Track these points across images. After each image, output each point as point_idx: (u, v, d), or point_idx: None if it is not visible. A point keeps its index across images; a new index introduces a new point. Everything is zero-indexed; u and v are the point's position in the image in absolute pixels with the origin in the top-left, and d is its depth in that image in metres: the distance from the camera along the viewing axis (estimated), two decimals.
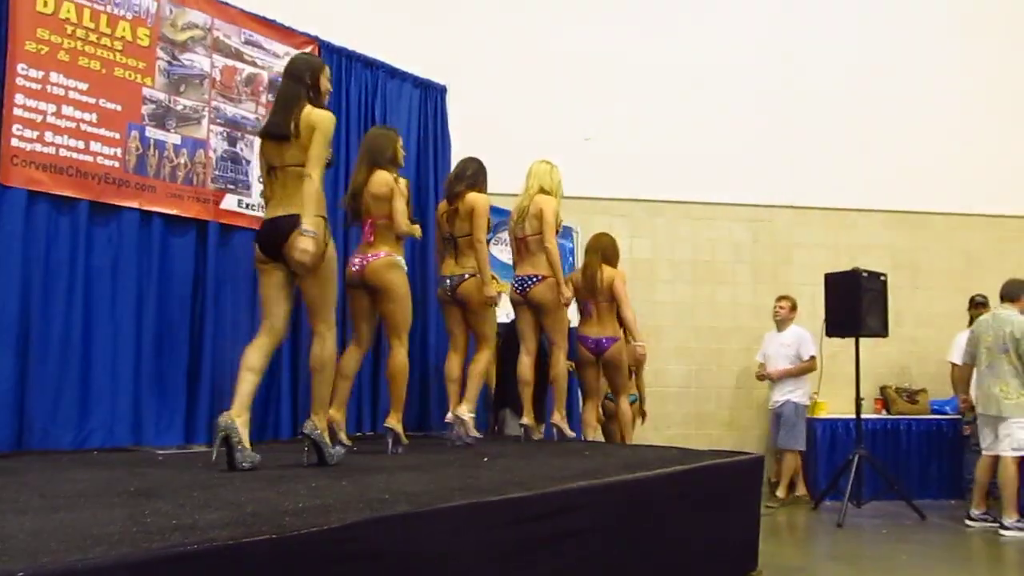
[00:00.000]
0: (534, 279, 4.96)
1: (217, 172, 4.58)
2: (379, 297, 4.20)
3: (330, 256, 3.46)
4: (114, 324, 4.10)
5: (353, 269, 4.25)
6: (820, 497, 6.61)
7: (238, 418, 3.24)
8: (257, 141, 4.63)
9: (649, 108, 7.71)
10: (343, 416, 4.21)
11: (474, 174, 4.74)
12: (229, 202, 4.64)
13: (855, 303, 6.37)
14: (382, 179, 4.23)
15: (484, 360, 4.74)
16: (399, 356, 4.17)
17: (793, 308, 7.14)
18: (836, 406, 7.33)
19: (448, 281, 4.73)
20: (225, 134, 4.64)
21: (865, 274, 6.47)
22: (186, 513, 2.15)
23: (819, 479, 7.05)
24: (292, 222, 3.35)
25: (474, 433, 4.67)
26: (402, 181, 4.31)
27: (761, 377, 7.20)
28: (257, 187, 4.73)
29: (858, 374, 6.44)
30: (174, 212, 4.36)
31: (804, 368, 7.05)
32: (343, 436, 4.17)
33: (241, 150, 4.71)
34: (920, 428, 7.34)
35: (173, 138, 4.39)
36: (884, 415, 7.57)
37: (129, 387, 4.12)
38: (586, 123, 7.57)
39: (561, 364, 5.04)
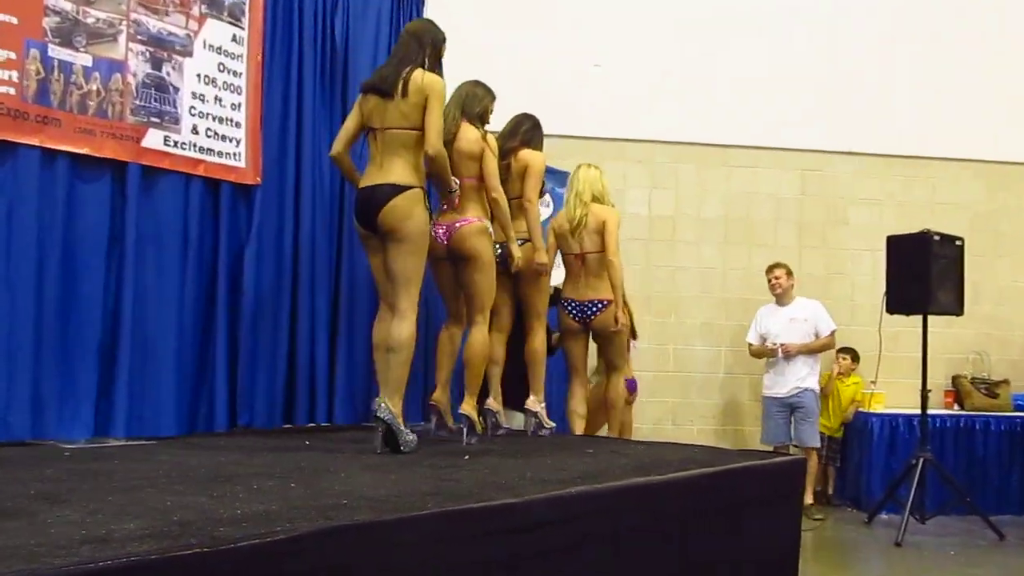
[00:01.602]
0: (598, 305, 5.44)
1: (138, 102, 4.52)
2: (464, 266, 4.62)
3: (426, 231, 4.09)
4: (9, 290, 4.03)
5: (439, 240, 4.58)
6: (875, 509, 6.68)
7: (389, 400, 3.92)
8: (187, 64, 4.72)
9: (673, 30, 7.71)
10: (448, 399, 4.78)
11: (529, 131, 5.16)
12: (153, 139, 4.58)
13: (924, 273, 6.40)
14: (473, 135, 4.66)
15: (540, 338, 5.11)
16: (480, 335, 4.63)
17: (790, 274, 7.26)
18: (897, 399, 7.40)
19: (496, 248, 4.90)
20: (148, 55, 4.58)
21: (936, 237, 6.49)
22: (98, 522, 2.15)
23: (873, 487, 7.15)
24: (390, 192, 4.01)
25: (549, 425, 5.12)
26: (491, 139, 4.74)
27: (767, 355, 7.24)
28: (188, 120, 4.72)
29: (925, 360, 6.49)
30: (84, 151, 4.29)
31: (826, 345, 7.19)
32: (449, 421, 4.74)
33: (168, 75, 4.66)
34: (1000, 428, 7.38)
35: (82, 59, 4.30)
36: (956, 411, 7.63)
37: (27, 367, 4.06)
38: (595, 46, 7.58)
39: (620, 388, 5.64)
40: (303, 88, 5.22)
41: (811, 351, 7.13)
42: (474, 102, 4.76)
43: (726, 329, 7.85)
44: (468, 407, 4.69)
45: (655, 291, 7.66)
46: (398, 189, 4.02)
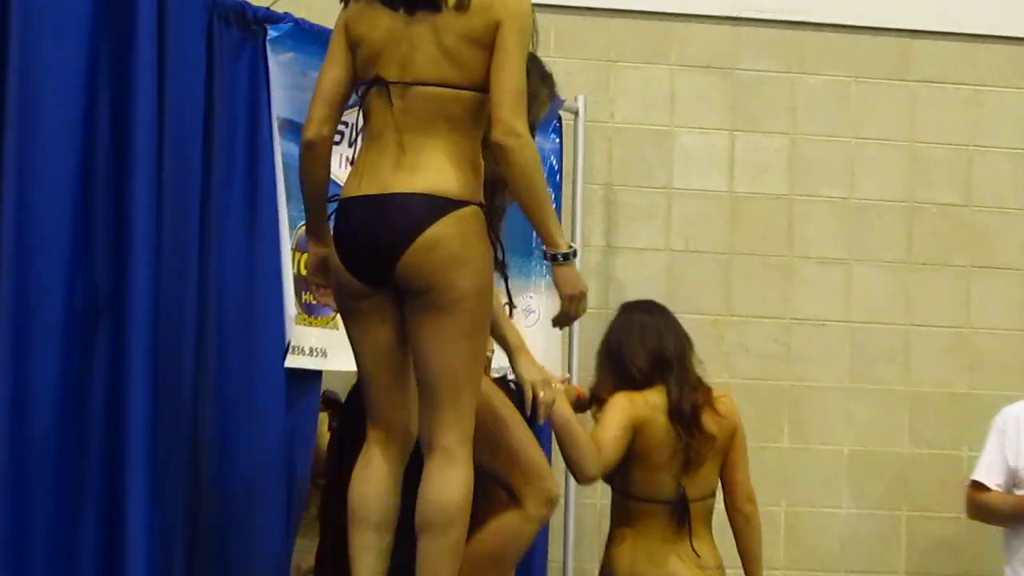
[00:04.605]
0: None
1: None
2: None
3: (491, 289, 4.12)
4: None
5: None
6: None
7: None
8: None
9: None
10: None
11: None
12: None
13: None
14: None
15: None
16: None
17: None
18: None
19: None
20: None
21: None
22: None
23: None
24: (424, 210, 3.92)
25: None
26: None
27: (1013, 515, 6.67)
28: None
29: None
30: None
31: None
32: None
33: None
34: None
35: None
36: None
37: None
38: None
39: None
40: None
41: None
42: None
43: (919, 462, 7.25)
44: None
45: (745, 370, 7.17)
46: (439, 205, 3.85)
